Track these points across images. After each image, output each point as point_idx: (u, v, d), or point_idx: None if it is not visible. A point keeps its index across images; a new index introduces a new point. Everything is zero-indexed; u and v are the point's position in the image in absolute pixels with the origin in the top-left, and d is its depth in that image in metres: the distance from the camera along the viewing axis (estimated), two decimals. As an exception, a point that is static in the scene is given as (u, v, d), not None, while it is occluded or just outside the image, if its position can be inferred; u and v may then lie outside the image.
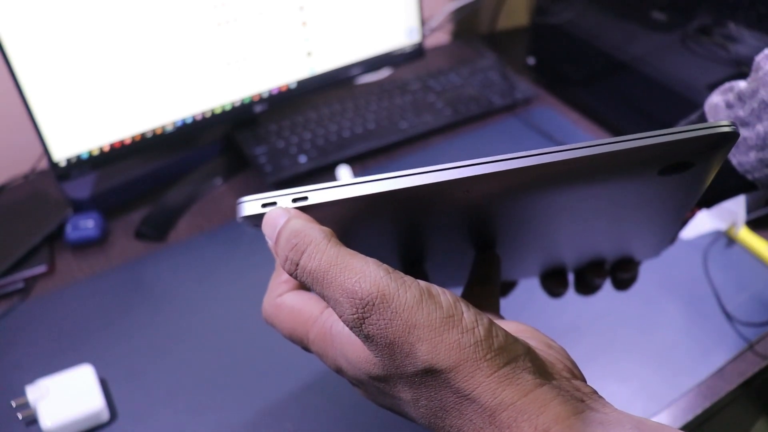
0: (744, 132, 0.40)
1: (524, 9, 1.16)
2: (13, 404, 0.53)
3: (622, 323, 0.63)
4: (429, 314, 0.23)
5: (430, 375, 0.23)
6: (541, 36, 1.01)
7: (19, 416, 0.52)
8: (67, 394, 0.53)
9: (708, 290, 0.66)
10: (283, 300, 0.31)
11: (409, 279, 0.24)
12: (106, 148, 0.71)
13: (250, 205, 0.27)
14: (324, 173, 0.82)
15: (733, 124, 0.23)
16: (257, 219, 0.27)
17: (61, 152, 0.68)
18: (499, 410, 0.22)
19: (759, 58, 0.41)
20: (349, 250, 0.25)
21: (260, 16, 0.75)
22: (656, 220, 0.33)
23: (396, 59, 0.90)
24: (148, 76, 0.70)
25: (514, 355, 0.24)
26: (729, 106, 0.43)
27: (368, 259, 0.25)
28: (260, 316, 0.63)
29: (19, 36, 0.61)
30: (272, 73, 0.79)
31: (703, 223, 0.73)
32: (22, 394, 0.54)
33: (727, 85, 0.44)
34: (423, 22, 0.90)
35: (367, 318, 0.23)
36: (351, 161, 0.83)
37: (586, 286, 0.44)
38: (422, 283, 0.24)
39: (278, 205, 0.26)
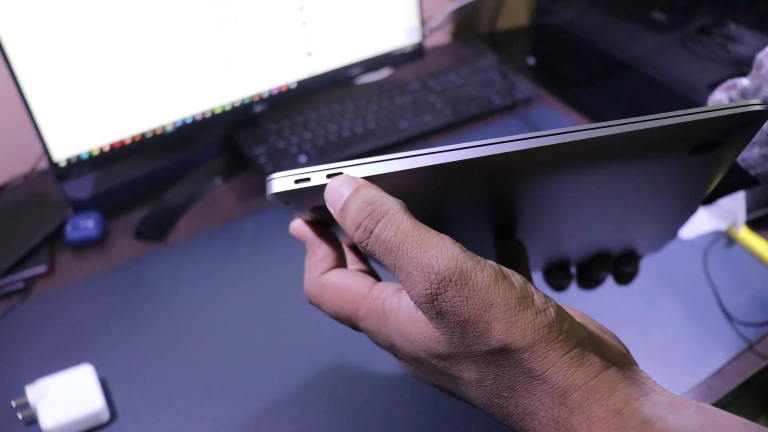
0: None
1: (524, 9, 1.16)
2: (13, 404, 0.53)
3: (621, 323, 0.63)
4: (505, 294, 0.23)
5: (503, 354, 0.23)
6: (541, 36, 1.01)
7: (19, 416, 0.52)
8: (67, 394, 0.53)
9: (708, 290, 0.66)
10: (328, 278, 0.31)
11: (482, 259, 0.24)
12: (106, 148, 0.71)
13: (282, 181, 0.26)
14: (324, 173, 0.81)
15: (764, 102, 0.23)
16: (289, 196, 0.27)
17: (61, 152, 0.68)
18: (570, 391, 0.23)
19: (761, 55, 0.41)
20: (423, 224, 0.25)
21: (260, 16, 0.75)
22: (670, 206, 0.34)
23: (396, 59, 0.90)
24: (147, 76, 0.70)
25: (581, 337, 0.24)
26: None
27: (443, 235, 0.24)
28: (259, 316, 0.63)
29: (19, 36, 0.61)
30: (272, 73, 0.79)
31: (703, 223, 0.73)
32: (22, 394, 0.54)
33: (730, 82, 0.44)
34: (423, 22, 0.90)
35: (441, 294, 0.23)
36: (351, 161, 0.83)
37: (590, 279, 0.45)
38: (494, 263, 0.24)
39: (312, 181, 0.26)
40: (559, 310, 0.24)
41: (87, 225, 0.71)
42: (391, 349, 0.28)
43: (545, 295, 0.24)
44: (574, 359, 0.23)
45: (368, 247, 0.25)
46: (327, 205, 0.26)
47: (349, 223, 0.25)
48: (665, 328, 0.62)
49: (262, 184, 0.80)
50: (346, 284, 0.30)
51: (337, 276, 0.30)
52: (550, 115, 0.92)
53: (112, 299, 0.65)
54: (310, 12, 0.78)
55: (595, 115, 0.92)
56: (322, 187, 0.26)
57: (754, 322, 0.62)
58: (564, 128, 0.24)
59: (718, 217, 0.72)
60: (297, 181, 0.26)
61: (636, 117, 0.23)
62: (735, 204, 0.70)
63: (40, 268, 0.68)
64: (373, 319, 0.28)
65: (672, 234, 0.41)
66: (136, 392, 0.57)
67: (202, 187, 0.80)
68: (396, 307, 0.27)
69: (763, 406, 0.81)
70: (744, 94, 0.43)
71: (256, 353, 0.60)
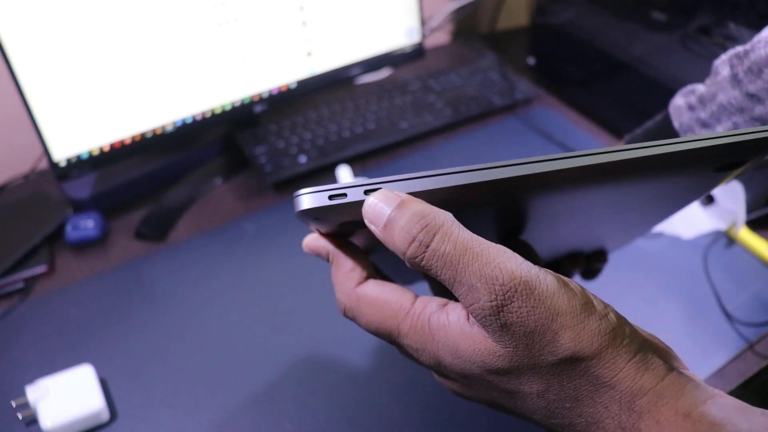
0: (705, 133, 0.42)
1: (524, 9, 1.16)
2: (13, 404, 0.53)
3: (622, 323, 0.63)
4: (569, 301, 0.23)
5: (569, 364, 0.23)
6: (541, 36, 1.01)
7: (19, 416, 0.52)
8: (67, 394, 0.53)
9: (708, 290, 0.66)
10: (365, 290, 0.29)
11: (542, 268, 0.24)
12: (106, 148, 0.71)
13: (315, 197, 0.25)
14: (324, 173, 0.82)
15: None
16: (319, 212, 0.26)
17: (61, 152, 0.68)
18: (639, 396, 0.22)
19: (717, 63, 0.43)
20: (478, 236, 0.24)
21: (260, 16, 0.75)
22: (666, 212, 0.34)
23: (396, 59, 0.90)
24: (147, 76, 0.70)
25: (642, 341, 0.24)
26: (691, 108, 0.45)
27: (501, 246, 0.24)
28: (259, 316, 0.63)
29: (19, 36, 0.61)
30: (272, 73, 0.79)
31: (703, 223, 0.73)
32: (22, 394, 0.54)
33: (689, 87, 0.45)
34: (423, 22, 0.90)
35: (506, 305, 0.22)
36: (351, 161, 0.83)
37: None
38: (551, 271, 0.24)
39: (349, 197, 0.25)
40: (618, 314, 0.24)
41: (87, 225, 0.71)
42: (436, 366, 0.27)
43: (602, 300, 0.24)
44: (639, 363, 0.23)
45: (424, 262, 0.24)
46: (366, 221, 0.25)
47: (398, 238, 0.24)
48: (665, 328, 0.62)
49: (262, 184, 0.80)
50: (385, 298, 0.28)
51: (374, 288, 0.29)
52: (550, 115, 0.92)
53: (112, 299, 0.65)
54: (310, 12, 0.78)
55: (595, 115, 0.92)
56: (359, 203, 0.25)
57: (754, 322, 0.62)
58: (608, 147, 0.24)
59: (718, 217, 0.72)
60: (332, 197, 0.25)
61: (676, 138, 0.24)
62: (735, 204, 0.70)
63: (40, 268, 0.68)
64: (417, 336, 0.27)
65: (646, 232, 0.42)
66: (136, 392, 0.57)
67: (202, 187, 0.80)
68: (445, 323, 0.26)
69: (763, 406, 0.81)
70: (702, 99, 0.44)
71: (256, 353, 0.60)
